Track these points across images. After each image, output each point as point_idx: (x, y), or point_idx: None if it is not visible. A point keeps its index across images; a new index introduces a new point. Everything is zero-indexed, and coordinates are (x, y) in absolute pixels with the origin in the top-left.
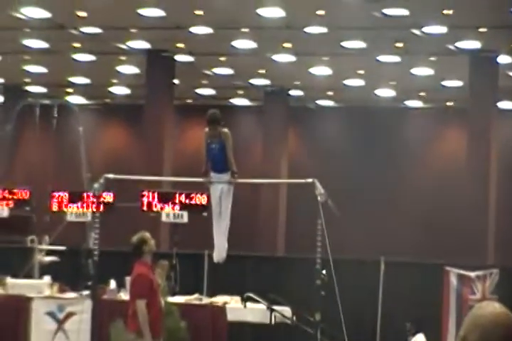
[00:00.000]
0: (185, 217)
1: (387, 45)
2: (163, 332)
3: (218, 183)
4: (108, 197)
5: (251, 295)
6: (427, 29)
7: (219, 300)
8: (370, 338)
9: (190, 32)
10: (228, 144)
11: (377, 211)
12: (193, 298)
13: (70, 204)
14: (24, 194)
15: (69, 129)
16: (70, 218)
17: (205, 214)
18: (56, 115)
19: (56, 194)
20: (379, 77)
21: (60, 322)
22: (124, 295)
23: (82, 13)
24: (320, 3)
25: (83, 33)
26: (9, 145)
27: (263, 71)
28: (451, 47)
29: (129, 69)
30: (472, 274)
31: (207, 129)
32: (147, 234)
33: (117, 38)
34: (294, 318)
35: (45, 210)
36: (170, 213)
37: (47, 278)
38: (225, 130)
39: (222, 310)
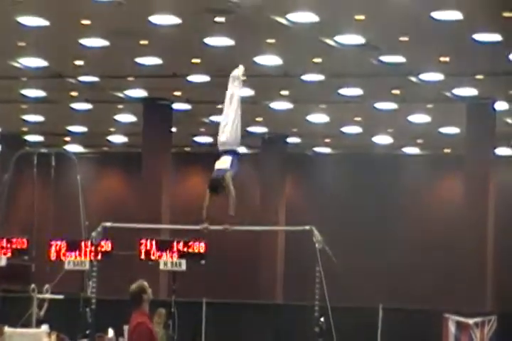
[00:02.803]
0: (183, 265)
1: (384, 92)
2: None
3: None
4: (106, 245)
5: None
6: (423, 76)
7: None
8: None
9: (188, 80)
10: (229, 188)
11: (376, 257)
12: None
13: (68, 253)
14: (22, 243)
15: (67, 178)
16: (68, 266)
17: (203, 262)
18: (54, 164)
19: (54, 243)
20: (376, 124)
21: None
22: None
23: (79, 62)
24: (317, 51)
25: (80, 81)
26: (7, 194)
27: (260, 118)
28: (448, 94)
29: (126, 117)
30: (471, 321)
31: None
32: (145, 283)
33: (114, 86)
34: None
35: (43, 259)
36: (168, 261)
37: (45, 327)
38: (227, 174)
39: None
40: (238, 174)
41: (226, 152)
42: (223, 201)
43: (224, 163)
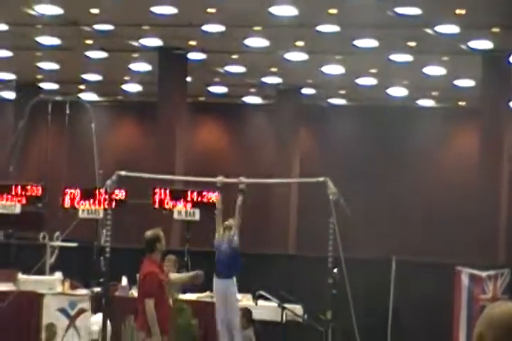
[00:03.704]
0: (197, 214)
1: (399, 44)
2: (171, 329)
3: (222, 291)
4: (120, 194)
5: (262, 293)
6: (439, 28)
7: None
8: (381, 337)
9: (203, 30)
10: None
11: (388, 210)
12: (204, 296)
13: (82, 201)
14: (36, 190)
15: (81, 126)
16: (82, 215)
17: (216, 212)
18: (68, 112)
19: (68, 191)
20: (391, 76)
21: (72, 319)
22: (136, 293)
23: (95, 10)
24: (332, 1)
25: (95, 29)
26: (22, 141)
27: (275, 69)
28: (463, 46)
29: (141, 66)
30: (483, 274)
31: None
32: (161, 232)
33: (130, 35)
34: (306, 316)
35: (57, 207)
36: (182, 211)
37: (58, 275)
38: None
39: None
40: (252, 125)
41: None
42: (240, 158)
43: None
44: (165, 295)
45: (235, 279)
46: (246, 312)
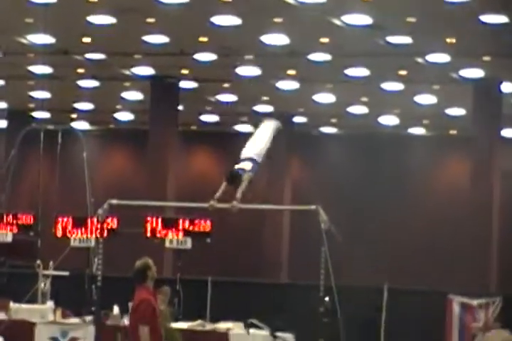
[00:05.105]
0: (188, 243)
1: (390, 73)
2: None
3: None
4: (112, 223)
5: (254, 321)
6: (430, 57)
7: (222, 326)
8: None
9: (195, 58)
10: (242, 185)
11: (380, 237)
12: (196, 324)
13: (74, 230)
14: (28, 219)
15: (73, 154)
16: (73, 243)
17: (208, 240)
18: (60, 140)
19: (60, 219)
20: (382, 104)
21: None
22: (127, 321)
23: (87, 39)
24: (324, 30)
25: (87, 58)
26: (13, 170)
27: (267, 98)
28: (454, 75)
29: (133, 95)
30: (475, 302)
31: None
32: (150, 260)
33: (121, 63)
34: None
35: (49, 235)
36: (173, 239)
37: (50, 303)
38: (247, 173)
39: (225, 336)
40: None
41: (247, 159)
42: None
43: (246, 165)
44: (158, 323)
45: None
46: None
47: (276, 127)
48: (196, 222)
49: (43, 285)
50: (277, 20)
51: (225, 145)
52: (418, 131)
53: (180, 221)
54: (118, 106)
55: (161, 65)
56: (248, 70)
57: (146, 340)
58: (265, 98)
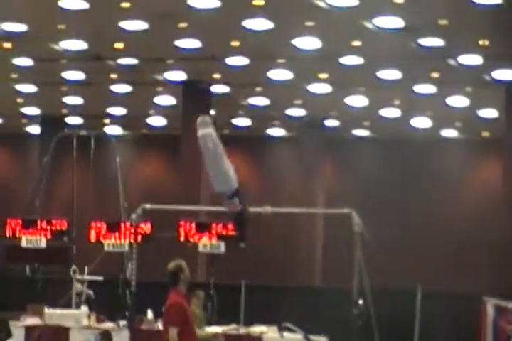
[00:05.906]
0: (222, 247)
1: (422, 76)
2: None
3: None
4: (145, 227)
5: (288, 325)
6: (462, 59)
7: (256, 330)
8: None
9: (226, 63)
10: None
11: (413, 240)
12: (230, 328)
13: (107, 235)
14: (62, 224)
15: (106, 160)
16: (107, 248)
17: (242, 244)
18: (93, 146)
19: (94, 224)
20: (415, 107)
21: None
22: (161, 326)
23: (119, 45)
24: (356, 33)
25: (120, 64)
26: (47, 175)
27: (299, 101)
28: (486, 77)
29: (165, 100)
30: (510, 304)
31: None
32: (184, 262)
33: (154, 69)
34: None
35: (83, 240)
36: (207, 243)
37: (84, 308)
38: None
39: (259, 340)
40: (277, 157)
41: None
42: (264, 190)
43: (233, 207)
44: (191, 325)
45: None
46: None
47: (202, 133)
48: (229, 226)
49: (82, 289)
50: (309, 23)
51: (258, 149)
52: (450, 133)
53: (214, 225)
54: (150, 111)
55: (193, 70)
56: (280, 74)
57: None
58: (297, 102)
